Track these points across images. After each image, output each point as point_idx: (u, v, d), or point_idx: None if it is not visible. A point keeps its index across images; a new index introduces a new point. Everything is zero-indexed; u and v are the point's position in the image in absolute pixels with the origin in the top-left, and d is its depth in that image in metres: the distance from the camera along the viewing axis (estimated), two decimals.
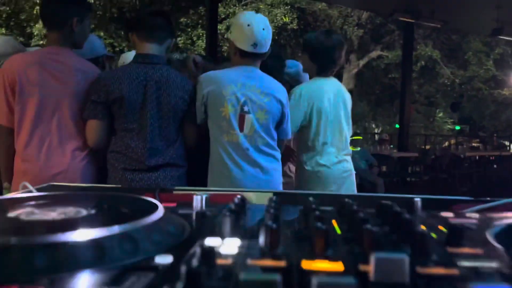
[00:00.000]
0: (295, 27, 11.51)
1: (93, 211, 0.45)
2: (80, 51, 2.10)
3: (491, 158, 12.11)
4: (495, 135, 17.75)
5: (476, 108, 18.91)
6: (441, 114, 22.14)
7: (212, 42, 7.15)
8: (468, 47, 14.98)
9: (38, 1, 10.58)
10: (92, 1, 11.16)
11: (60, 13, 1.93)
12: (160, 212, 0.44)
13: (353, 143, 7.34)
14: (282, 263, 0.34)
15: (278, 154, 2.12)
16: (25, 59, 1.92)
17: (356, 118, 25.54)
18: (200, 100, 1.99)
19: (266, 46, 2.03)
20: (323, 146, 2.51)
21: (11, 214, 0.45)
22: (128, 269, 0.32)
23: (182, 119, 2.00)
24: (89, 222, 0.42)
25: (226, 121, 1.97)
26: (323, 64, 2.47)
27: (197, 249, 0.32)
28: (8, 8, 11.08)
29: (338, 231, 0.46)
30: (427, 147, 13.86)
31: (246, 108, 1.99)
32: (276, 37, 11.16)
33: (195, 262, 0.31)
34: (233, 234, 0.42)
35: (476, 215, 0.60)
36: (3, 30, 10.93)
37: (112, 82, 1.88)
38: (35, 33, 10.55)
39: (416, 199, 0.61)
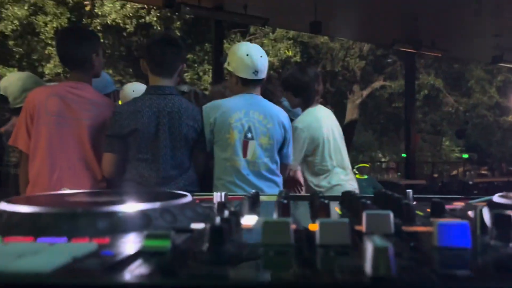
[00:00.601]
0: (298, 60, 11.79)
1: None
2: (95, 87, 2.24)
3: (499, 184, 12.02)
4: (503, 163, 17.65)
5: (482, 135, 18.90)
6: (448, 142, 22.13)
7: (217, 77, 7.35)
8: (470, 75, 15.17)
9: (49, 42, 11.00)
10: (102, 40, 11.57)
11: (79, 53, 2.05)
12: (189, 198, 0.53)
13: (359, 170, 7.37)
14: (293, 226, 0.42)
15: (279, 179, 2.20)
16: (47, 91, 2.05)
17: (362, 148, 25.58)
18: (207, 128, 2.08)
19: (265, 72, 2.18)
20: (332, 168, 2.65)
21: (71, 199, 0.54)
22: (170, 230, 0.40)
23: (193, 147, 2.08)
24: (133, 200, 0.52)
25: (230, 147, 2.06)
26: (307, 96, 2.70)
27: (218, 219, 0.40)
28: (21, 49, 11.51)
29: (340, 212, 0.54)
30: (435, 175, 13.81)
31: (249, 135, 2.09)
32: (280, 70, 11.42)
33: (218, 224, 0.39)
34: (251, 213, 0.50)
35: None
36: (16, 70, 11.30)
37: (126, 116, 1.97)
38: (47, 72, 10.89)
39: (408, 190, 0.70)
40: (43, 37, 10.94)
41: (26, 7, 10.66)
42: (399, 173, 10.58)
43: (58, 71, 10.62)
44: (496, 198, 0.54)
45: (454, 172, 16.52)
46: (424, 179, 10.42)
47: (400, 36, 8.23)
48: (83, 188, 1.99)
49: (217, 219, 0.38)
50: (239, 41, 12.28)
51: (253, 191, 2.04)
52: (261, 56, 2.14)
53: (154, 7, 10.56)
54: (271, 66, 11.57)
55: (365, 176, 7.40)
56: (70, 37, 2.12)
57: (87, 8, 11.40)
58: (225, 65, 2.24)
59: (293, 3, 7.05)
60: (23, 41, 11.38)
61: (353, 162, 9.10)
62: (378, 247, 0.26)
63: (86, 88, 2.08)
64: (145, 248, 0.34)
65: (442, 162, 19.12)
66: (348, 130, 13.80)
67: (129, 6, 10.41)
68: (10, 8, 10.58)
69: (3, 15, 10.62)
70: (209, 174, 2.18)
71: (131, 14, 10.62)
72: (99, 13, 10.91)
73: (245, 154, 2.08)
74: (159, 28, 11.06)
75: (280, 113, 2.22)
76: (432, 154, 21.08)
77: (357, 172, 7.25)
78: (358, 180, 7.29)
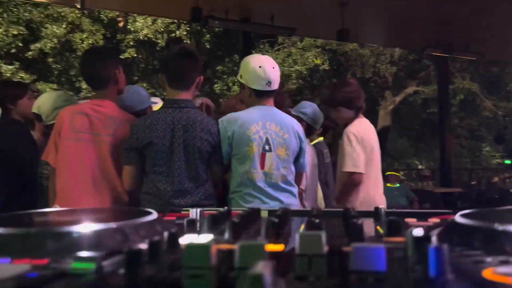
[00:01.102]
0: (327, 68, 11.73)
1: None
2: (131, 104, 2.33)
3: None
4: None
5: None
6: (488, 148, 21.27)
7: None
8: (509, 78, 14.59)
9: None
10: (135, 55, 11.95)
11: (102, 73, 2.14)
12: (152, 216, 0.55)
13: (388, 179, 7.20)
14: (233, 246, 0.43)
15: (295, 190, 2.21)
16: (74, 109, 2.15)
17: (397, 155, 24.99)
18: (225, 141, 2.09)
19: (277, 82, 2.20)
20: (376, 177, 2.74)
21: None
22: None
23: (209, 160, 2.09)
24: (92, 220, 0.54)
25: (249, 159, 2.08)
26: (359, 107, 2.76)
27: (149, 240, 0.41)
28: (59, 66, 12.06)
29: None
30: (473, 182, 13.29)
31: (267, 147, 2.10)
32: (309, 78, 11.40)
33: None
34: (208, 231, 0.52)
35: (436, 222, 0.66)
36: (55, 86, 11.84)
37: (142, 129, 2.01)
38: (84, 87, 11.33)
39: (380, 206, 0.69)
40: (80, 54, 11.42)
41: (64, 25, 11.17)
42: (433, 181, 10.25)
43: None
44: (458, 217, 0.53)
45: (495, 179, 15.83)
46: (461, 186, 10.05)
47: (431, 40, 8.04)
48: (105, 202, 2.07)
49: (148, 240, 0.40)
50: (267, 51, 12.37)
51: (270, 202, 2.07)
52: (273, 68, 2.17)
53: (184, 22, 10.81)
54: (299, 75, 11.56)
55: (397, 185, 7.24)
56: (91, 58, 2.22)
57: (121, 25, 11.82)
58: (238, 77, 2.27)
59: (320, 12, 7.04)
60: (61, 58, 11.92)
61: (388, 170, 8.93)
62: (252, 275, 0.27)
63: (108, 106, 2.15)
64: (72, 271, 0.36)
65: (481, 168, 18.36)
66: (381, 137, 13.54)
67: (160, 21, 10.72)
68: (49, 27, 11.12)
69: (42, 34, 11.17)
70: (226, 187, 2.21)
71: (162, 29, 10.92)
72: (132, 29, 11.28)
73: (262, 166, 2.09)
74: (188, 41, 11.32)
75: (294, 123, 2.25)
76: (471, 160, 20.32)
77: (387, 180, 7.10)
78: (389, 189, 7.19)
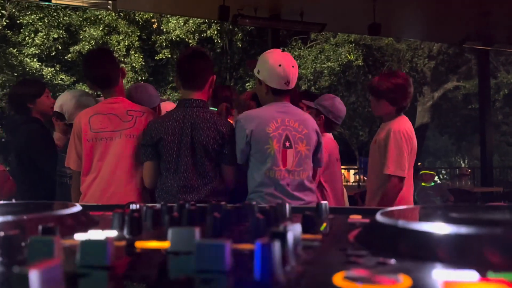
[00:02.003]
0: (360, 64, 11.48)
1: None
2: (140, 102, 2.37)
3: None
4: None
5: None
6: None
7: None
8: None
9: (122, 59, 11.82)
10: (169, 55, 12.17)
11: (111, 72, 2.19)
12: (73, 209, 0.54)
13: (424, 178, 6.95)
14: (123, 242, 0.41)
15: (314, 187, 2.16)
16: (89, 112, 2.18)
17: (439, 153, 24.15)
18: (243, 139, 2.04)
19: (295, 81, 2.14)
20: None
21: None
22: None
23: (217, 158, 2.07)
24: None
25: (271, 157, 2.02)
26: (403, 104, 2.57)
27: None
28: None
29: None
30: None
31: (287, 144, 2.05)
32: (342, 75, 11.20)
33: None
34: (116, 228, 0.50)
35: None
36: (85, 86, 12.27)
37: (155, 126, 2.05)
38: None
39: (323, 202, 0.65)
40: (116, 55, 11.76)
41: (101, 28, 11.54)
42: (472, 180, 9.81)
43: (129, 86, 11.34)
44: (378, 214, 0.47)
45: None
46: (504, 186, 9.56)
47: (470, 32, 7.69)
48: (129, 198, 2.10)
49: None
50: (299, 48, 12.26)
51: (292, 201, 2.00)
52: (293, 66, 2.10)
53: (214, 21, 10.90)
54: (331, 71, 11.38)
55: (432, 183, 6.98)
56: (98, 60, 2.27)
57: (155, 26, 12.08)
58: (255, 72, 2.20)
59: (351, 7, 6.88)
60: None
61: (430, 169, 8.61)
62: (18, 274, 0.24)
63: (122, 101, 2.20)
64: None
65: None
66: (419, 134, 13.11)
67: (191, 21, 10.86)
68: (88, 29, 11.53)
69: (81, 37, 11.59)
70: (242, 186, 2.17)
71: (193, 29, 11.06)
72: (165, 30, 11.50)
73: (284, 164, 2.04)
74: (219, 41, 11.40)
75: (310, 118, 2.20)
76: None
77: (421, 179, 6.86)
78: (424, 188, 6.93)
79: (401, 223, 0.41)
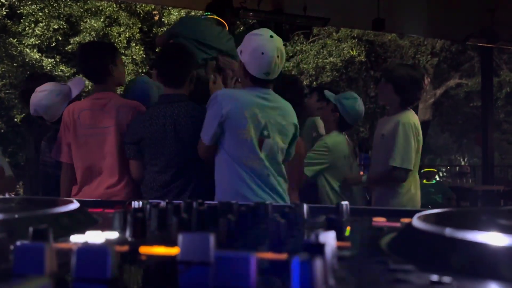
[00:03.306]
0: (363, 59, 11.40)
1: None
2: (134, 96, 2.33)
3: None
4: None
5: None
6: None
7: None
8: None
9: (123, 51, 11.72)
10: None
11: (99, 67, 2.17)
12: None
13: (425, 175, 6.91)
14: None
15: (285, 184, 2.04)
16: (79, 106, 2.18)
17: (440, 151, 24.09)
18: (217, 118, 1.87)
19: (278, 72, 1.96)
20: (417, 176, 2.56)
21: None
22: None
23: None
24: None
25: (247, 144, 1.88)
26: (408, 97, 2.47)
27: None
28: None
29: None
30: None
31: (266, 132, 1.92)
32: (344, 71, 11.13)
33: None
34: (117, 228, 0.45)
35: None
36: None
37: (136, 124, 2.04)
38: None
39: (343, 202, 0.59)
40: (117, 47, 11.68)
41: (102, 19, 11.44)
42: (473, 178, 9.78)
43: (132, 78, 11.29)
44: (416, 219, 0.42)
45: None
46: (504, 184, 9.52)
47: (474, 30, 7.61)
48: (119, 192, 2.09)
49: None
50: (301, 43, 12.17)
51: (270, 194, 1.94)
52: (277, 56, 1.87)
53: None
54: (334, 67, 11.30)
55: (433, 181, 6.94)
56: (86, 54, 2.24)
57: (156, 18, 11.98)
58: (238, 51, 1.99)
59: (354, 1, 6.82)
60: None
61: (430, 166, 8.57)
62: None
63: (110, 96, 2.19)
64: None
65: None
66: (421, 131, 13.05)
67: (193, 14, 10.76)
68: (88, 21, 11.43)
69: (81, 28, 11.49)
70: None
71: None
72: (166, 22, 11.40)
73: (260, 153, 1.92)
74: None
75: (291, 111, 2.05)
76: None
77: (423, 177, 6.83)
78: (425, 186, 6.90)
79: (449, 232, 0.36)
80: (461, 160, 24.10)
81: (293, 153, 2.13)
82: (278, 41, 1.90)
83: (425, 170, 7.04)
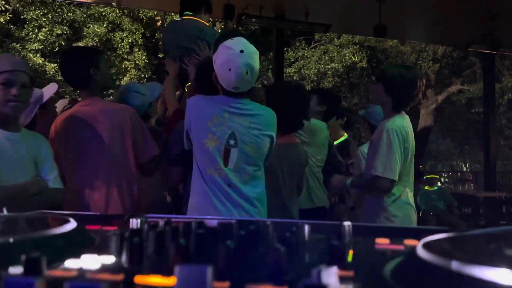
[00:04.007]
0: (364, 65, 11.41)
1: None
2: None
3: None
4: None
5: None
6: None
7: None
8: None
9: (126, 56, 11.76)
10: None
11: (78, 74, 2.14)
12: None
13: (428, 182, 6.90)
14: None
15: (262, 187, 1.97)
16: (63, 116, 2.16)
17: (441, 156, 24.04)
18: (185, 125, 1.89)
19: (249, 86, 1.89)
20: (410, 184, 2.45)
21: None
22: None
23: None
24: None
25: (208, 154, 1.83)
26: (401, 99, 2.34)
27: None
28: None
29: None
30: None
31: (232, 142, 1.85)
32: (345, 76, 11.13)
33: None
34: (113, 252, 0.44)
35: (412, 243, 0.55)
36: None
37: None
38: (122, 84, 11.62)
39: (345, 223, 0.58)
40: (120, 52, 11.70)
41: (105, 25, 11.48)
42: (475, 185, 9.74)
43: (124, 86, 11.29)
44: (420, 247, 0.40)
45: None
46: (506, 191, 9.48)
47: (476, 36, 7.62)
48: (114, 202, 2.07)
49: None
50: (303, 49, 12.18)
51: (238, 205, 1.90)
52: (247, 73, 1.79)
53: (219, 20, 10.83)
54: (335, 72, 11.31)
55: (435, 188, 6.92)
56: (66, 59, 2.23)
57: (159, 24, 12.01)
58: (213, 58, 1.92)
59: (356, 8, 6.84)
60: None
61: (431, 172, 8.54)
62: None
63: (96, 102, 2.16)
64: None
65: None
66: (422, 137, 13.02)
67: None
68: (91, 26, 11.47)
69: (84, 33, 11.53)
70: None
71: None
72: None
73: (226, 163, 1.85)
74: None
75: (268, 119, 1.97)
76: None
77: (425, 183, 6.81)
78: (427, 192, 6.88)
79: (455, 265, 0.34)
80: (463, 165, 24.04)
81: (269, 160, 2.06)
82: (249, 56, 1.81)
83: (427, 176, 7.03)
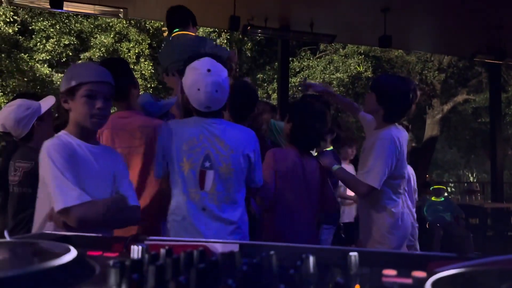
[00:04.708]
0: (370, 75, 11.41)
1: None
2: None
3: None
4: None
5: None
6: None
7: (283, 97, 7.34)
8: None
9: (132, 66, 11.85)
10: None
11: (123, 83, 2.09)
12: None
13: (435, 192, 6.84)
14: None
15: (241, 208, 1.94)
16: (108, 127, 2.12)
17: (447, 166, 23.85)
18: (160, 151, 1.88)
19: (222, 103, 1.89)
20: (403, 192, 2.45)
21: None
22: None
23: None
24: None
25: (184, 177, 1.83)
26: (394, 109, 2.32)
27: None
28: None
29: None
30: None
31: (207, 164, 1.83)
32: (351, 86, 11.13)
33: None
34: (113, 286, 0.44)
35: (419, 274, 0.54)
36: None
37: None
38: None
39: (351, 253, 0.57)
40: (127, 62, 11.80)
41: (112, 35, 11.59)
42: (482, 195, 9.64)
43: (140, 94, 11.38)
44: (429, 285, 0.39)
45: None
46: None
47: (482, 46, 7.61)
48: (148, 213, 2.03)
49: None
50: (308, 59, 12.22)
51: (206, 231, 1.78)
52: (216, 91, 1.80)
53: (224, 30, 10.91)
54: (340, 82, 11.32)
55: (442, 198, 6.85)
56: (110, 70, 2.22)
57: (165, 34, 12.11)
58: (183, 80, 1.93)
59: (361, 19, 6.85)
60: None
61: (438, 182, 8.44)
62: None
63: (134, 116, 2.13)
64: None
65: None
66: (428, 147, 12.96)
67: (201, 30, 10.88)
68: (98, 36, 11.59)
69: (91, 43, 11.65)
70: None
71: None
72: None
73: (202, 186, 1.83)
74: (228, 49, 11.38)
75: (246, 139, 1.94)
76: None
77: (432, 194, 6.75)
78: (434, 203, 6.82)
79: None
80: (470, 175, 23.84)
81: (259, 179, 2.03)
82: (216, 74, 1.82)
83: (434, 187, 6.97)
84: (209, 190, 1.83)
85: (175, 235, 1.81)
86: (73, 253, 0.52)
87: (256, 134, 2.03)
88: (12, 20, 10.84)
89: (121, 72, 2.12)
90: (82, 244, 0.66)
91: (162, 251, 0.55)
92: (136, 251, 0.58)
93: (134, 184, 2.01)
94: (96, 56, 11.40)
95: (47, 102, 2.33)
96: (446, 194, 7.56)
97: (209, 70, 1.79)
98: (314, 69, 11.77)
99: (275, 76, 12.26)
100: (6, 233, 0.75)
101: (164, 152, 1.86)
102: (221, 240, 0.76)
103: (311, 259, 0.53)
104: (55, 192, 1.44)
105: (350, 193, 4.38)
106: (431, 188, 6.85)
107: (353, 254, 0.57)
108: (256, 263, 0.51)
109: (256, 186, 2.06)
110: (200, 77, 1.80)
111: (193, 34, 2.92)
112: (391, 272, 0.57)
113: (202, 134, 1.86)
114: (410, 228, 2.50)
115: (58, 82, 11.20)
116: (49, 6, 5.59)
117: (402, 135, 2.36)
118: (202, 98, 1.81)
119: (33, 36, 11.57)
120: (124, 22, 11.59)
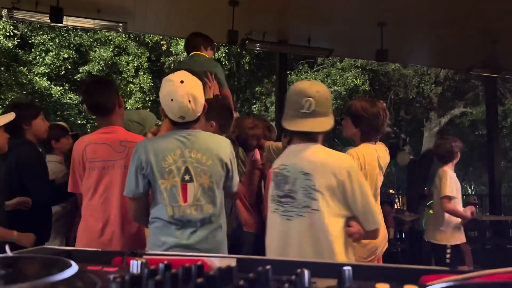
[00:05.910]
0: (367, 88, 11.50)
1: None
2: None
3: None
4: None
5: None
6: None
7: (281, 110, 7.39)
8: None
9: (131, 80, 11.92)
10: None
11: (108, 100, 2.23)
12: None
13: (432, 206, 6.81)
14: None
15: (222, 221, 1.98)
16: (84, 140, 2.22)
17: None
18: (138, 170, 1.88)
19: (196, 115, 1.92)
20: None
21: None
22: None
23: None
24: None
25: (167, 193, 1.86)
26: (368, 130, 2.49)
27: None
28: None
29: None
30: None
31: (187, 177, 1.87)
32: (348, 99, 11.19)
33: None
34: None
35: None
36: None
37: None
38: (128, 108, 11.74)
39: (345, 267, 0.58)
40: (125, 76, 11.88)
41: (111, 49, 11.68)
42: (480, 208, 9.64)
43: (139, 106, 11.44)
44: None
45: None
46: None
47: (478, 60, 7.68)
48: (125, 230, 2.08)
49: None
50: (306, 72, 12.31)
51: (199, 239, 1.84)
52: (189, 101, 1.83)
53: (223, 44, 11.01)
54: (338, 95, 11.39)
55: None
56: (96, 88, 2.28)
57: (164, 48, 12.22)
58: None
59: (358, 33, 6.92)
60: None
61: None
62: None
63: (116, 131, 2.22)
64: None
65: None
66: (425, 160, 12.97)
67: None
68: (97, 50, 11.68)
69: (91, 57, 11.73)
70: None
71: None
72: (173, 51, 11.62)
73: (185, 199, 1.86)
74: (227, 63, 11.48)
75: (221, 147, 1.98)
76: None
77: (430, 207, 6.72)
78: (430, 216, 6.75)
79: None
80: (468, 188, 23.86)
81: (234, 185, 2.07)
82: (189, 85, 1.85)
83: (431, 202, 6.95)
84: (192, 202, 1.87)
85: (156, 241, 1.86)
86: (74, 268, 0.53)
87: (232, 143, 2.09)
88: (12, 34, 10.93)
89: (106, 91, 2.21)
90: (81, 258, 0.67)
91: (161, 265, 0.56)
92: (135, 265, 0.59)
93: (117, 198, 2.07)
94: (95, 70, 11.49)
95: (4, 119, 2.35)
96: None
97: (182, 81, 1.83)
98: None
99: (273, 89, 12.35)
100: (7, 248, 0.75)
101: (143, 171, 1.88)
102: (219, 255, 0.77)
103: (306, 273, 0.54)
104: None
105: None
106: (427, 204, 6.82)
107: (347, 268, 0.59)
108: (253, 277, 0.52)
109: (232, 192, 2.11)
110: (173, 88, 1.83)
111: (207, 55, 3.21)
112: (384, 286, 0.58)
113: (180, 147, 1.89)
114: None
115: (57, 95, 11.25)
116: (49, 21, 5.64)
117: (370, 150, 2.50)
118: (176, 108, 1.85)
119: (32, 49, 11.66)
120: (123, 36, 11.69)
